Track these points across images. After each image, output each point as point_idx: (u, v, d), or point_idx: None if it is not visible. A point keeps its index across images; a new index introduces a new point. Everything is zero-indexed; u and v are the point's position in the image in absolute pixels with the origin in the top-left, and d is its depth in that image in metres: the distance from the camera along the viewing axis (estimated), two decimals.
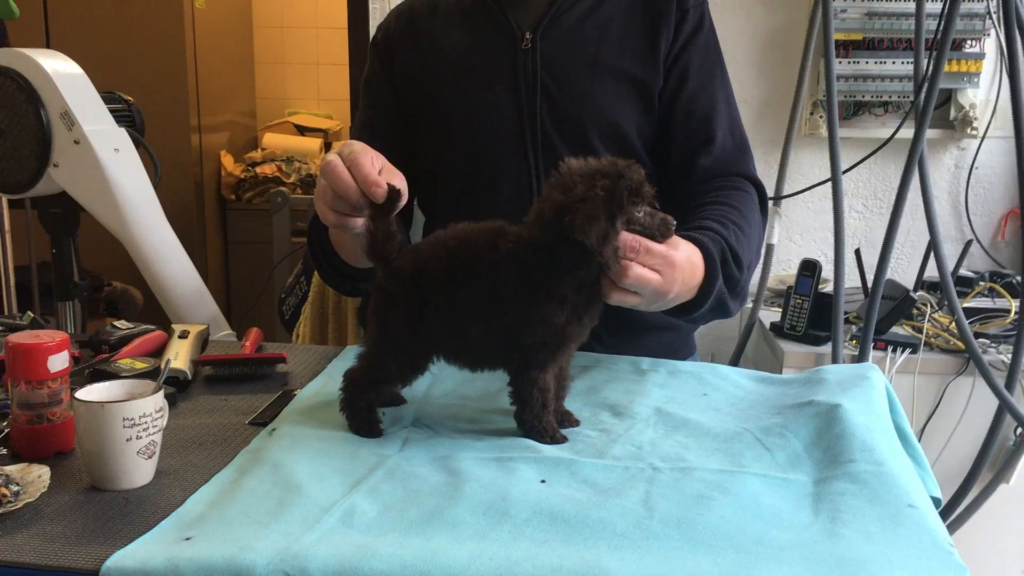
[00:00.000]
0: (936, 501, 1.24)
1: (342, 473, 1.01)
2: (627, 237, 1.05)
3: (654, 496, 0.96)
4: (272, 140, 4.42)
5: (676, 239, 1.13)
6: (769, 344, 2.31)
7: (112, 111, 1.81)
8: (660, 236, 1.07)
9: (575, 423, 1.16)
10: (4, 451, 1.08)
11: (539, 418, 1.10)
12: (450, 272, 1.08)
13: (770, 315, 2.42)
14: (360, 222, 1.14)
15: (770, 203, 2.52)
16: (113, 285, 3.27)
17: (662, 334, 1.53)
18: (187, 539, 0.88)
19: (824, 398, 1.18)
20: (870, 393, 1.20)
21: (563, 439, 1.11)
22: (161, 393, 1.02)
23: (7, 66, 1.66)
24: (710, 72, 1.48)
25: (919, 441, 2.19)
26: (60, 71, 1.65)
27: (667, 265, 1.09)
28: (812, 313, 2.19)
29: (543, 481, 1.00)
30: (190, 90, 3.90)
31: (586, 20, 1.44)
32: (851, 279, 2.38)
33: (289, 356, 1.43)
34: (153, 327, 1.46)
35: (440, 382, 1.31)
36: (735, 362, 2.49)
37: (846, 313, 2.27)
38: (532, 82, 1.42)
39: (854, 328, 2.23)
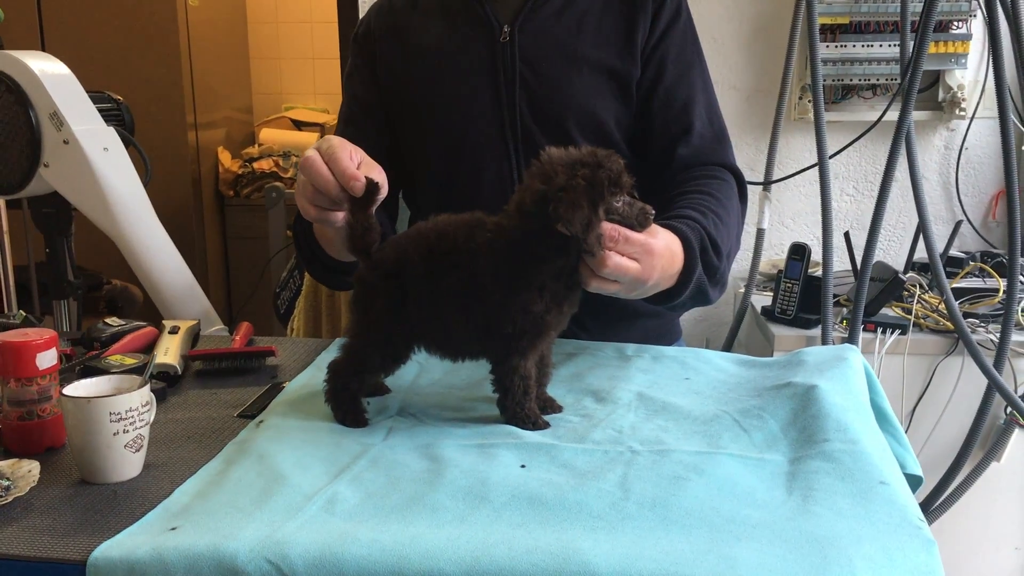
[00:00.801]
0: (916, 479, 1.27)
1: (326, 462, 1.03)
2: (607, 226, 1.07)
3: (631, 478, 0.98)
4: (269, 135, 4.43)
5: (655, 228, 1.15)
6: (761, 328, 2.33)
7: (102, 110, 1.83)
8: (639, 225, 1.09)
9: (558, 409, 1.18)
10: None
11: (521, 405, 1.12)
12: (430, 263, 1.10)
13: (762, 299, 2.43)
14: (341, 216, 1.16)
15: (760, 188, 2.53)
16: (113, 283, 3.29)
17: (647, 320, 1.54)
18: (173, 529, 0.90)
19: (801, 379, 1.20)
20: (847, 373, 1.22)
21: (545, 425, 1.13)
22: (147, 388, 1.04)
23: None
24: (688, 62, 1.49)
25: (909, 421, 2.22)
26: (48, 72, 1.67)
27: (646, 253, 1.11)
28: (802, 296, 2.21)
29: (523, 466, 1.02)
30: (185, 88, 3.91)
31: (563, 13, 1.46)
32: (843, 262, 2.39)
33: (279, 349, 1.45)
34: (144, 324, 1.48)
35: (427, 371, 1.33)
36: (728, 347, 2.51)
37: (837, 296, 2.28)
38: (511, 75, 1.44)
39: (845, 311, 2.25)
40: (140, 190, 1.68)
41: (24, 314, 1.44)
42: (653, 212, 1.10)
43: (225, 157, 4.19)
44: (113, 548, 0.86)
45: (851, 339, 2.13)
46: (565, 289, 1.10)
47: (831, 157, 2.28)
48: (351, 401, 1.15)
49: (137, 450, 1.02)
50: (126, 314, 2.88)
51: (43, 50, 3.63)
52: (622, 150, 1.46)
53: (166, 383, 1.30)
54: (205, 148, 4.08)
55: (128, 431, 1.01)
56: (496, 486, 0.96)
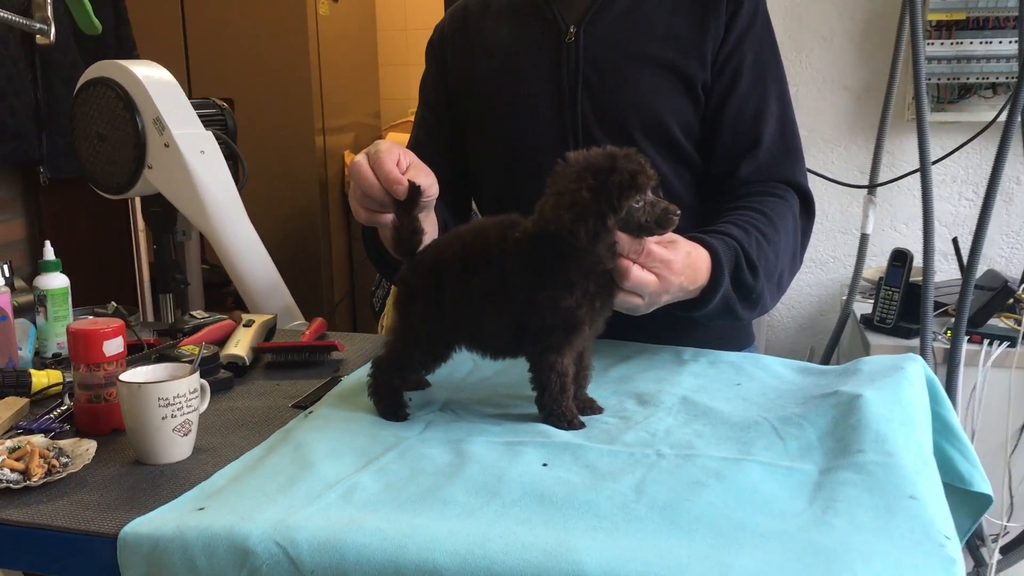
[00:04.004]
0: (983, 498, 1.21)
1: (358, 452, 1.07)
2: (625, 240, 1.07)
3: (648, 481, 0.98)
4: (395, 139, 4.54)
5: (677, 239, 1.15)
6: (860, 338, 2.25)
7: (206, 116, 1.94)
8: (659, 228, 1.08)
9: (598, 411, 1.19)
10: (68, 427, 1.19)
11: (557, 403, 1.13)
12: (464, 263, 1.12)
13: (865, 308, 2.34)
14: (389, 218, 1.20)
15: (864, 192, 2.44)
16: None
17: (713, 324, 1.52)
18: (200, 509, 0.95)
19: (849, 388, 1.16)
20: (900, 384, 1.17)
21: (580, 425, 1.13)
22: (196, 376, 1.10)
23: (107, 76, 1.80)
24: (763, 70, 1.46)
25: (1017, 441, 2.10)
26: (153, 79, 1.78)
27: (665, 267, 1.11)
28: (903, 305, 2.12)
29: (545, 464, 1.03)
30: (314, 93, 4.07)
31: (631, 13, 1.45)
32: (952, 270, 2.28)
33: (348, 345, 1.51)
34: (224, 316, 1.56)
35: (479, 369, 1.35)
36: (828, 355, 2.43)
37: (944, 305, 2.18)
38: (574, 76, 1.44)
39: (951, 320, 2.14)
40: (233, 192, 1.77)
41: (116, 305, 1.54)
42: (678, 213, 1.09)
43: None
44: (143, 524, 0.92)
45: (954, 351, 2.03)
46: (596, 286, 1.10)
47: (941, 160, 2.18)
48: (392, 396, 1.18)
49: (185, 434, 1.09)
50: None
51: (186, 58, 3.86)
52: (689, 155, 1.45)
53: (233, 373, 1.37)
54: (333, 151, 4.23)
55: (176, 416, 1.07)
56: (511, 483, 0.98)
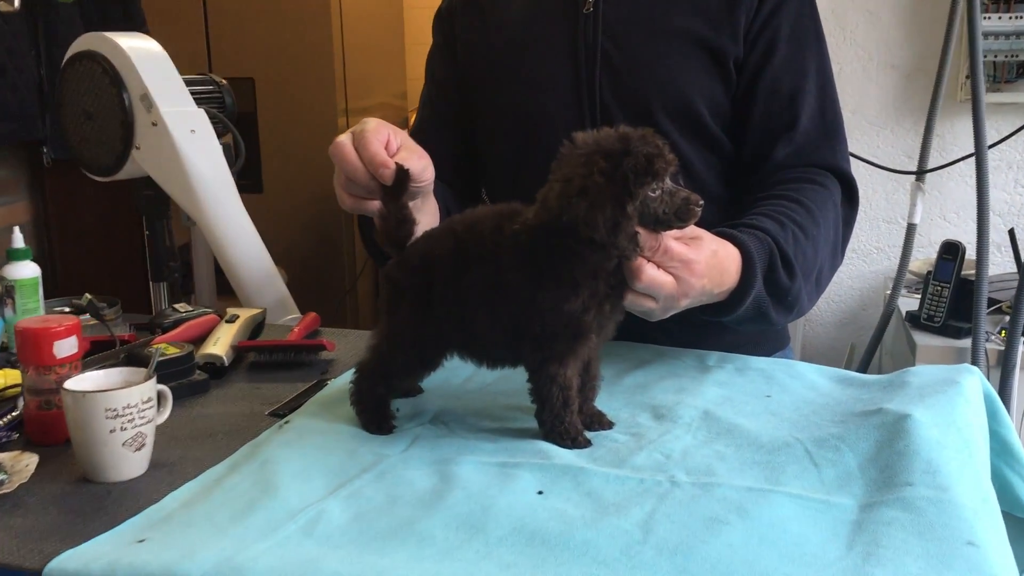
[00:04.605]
0: None
1: (330, 473, 0.94)
2: (643, 235, 0.94)
3: (659, 516, 0.84)
4: None
5: (701, 235, 1.01)
6: (906, 336, 2.09)
7: (202, 93, 1.82)
8: (679, 221, 0.94)
9: (607, 425, 1.05)
10: (16, 436, 1.07)
11: (560, 419, 0.99)
12: (456, 258, 0.99)
13: (912, 303, 2.18)
14: (377, 205, 1.08)
15: (912, 178, 2.27)
16: None
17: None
18: (141, 541, 0.83)
19: (895, 406, 1.01)
20: (955, 401, 1.02)
21: (586, 443, 1.00)
22: (151, 383, 0.98)
23: (93, 50, 1.68)
24: (802, 43, 1.30)
25: None
26: (141, 52, 1.66)
27: (684, 267, 0.97)
28: (953, 301, 1.95)
29: (540, 492, 0.89)
30: (338, 73, 3.94)
31: None
32: (1008, 263, 2.11)
33: (341, 343, 1.38)
34: (210, 310, 1.44)
35: (480, 375, 1.21)
36: (870, 355, 2.27)
37: (998, 302, 2.01)
38: (592, 50, 1.30)
39: (1007, 319, 1.97)
40: (226, 174, 1.65)
41: (89, 297, 1.43)
42: (700, 204, 0.95)
43: None
44: (72, 559, 0.80)
45: (1009, 352, 1.86)
46: (606, 287, 0.96)
47: (997, 144, 2.01)
48: (376, 406, 1.05)
49: (137, 448, 0.97)
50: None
51: (207, 36, 3.75)
52: (717, 139, 1.31)
53: (209, 374, 1.25)
54: None
55: (126, 428, 0.95)
56: (499, 515, 0.84)
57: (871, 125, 2.47)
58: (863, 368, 2.21)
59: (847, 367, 2.01)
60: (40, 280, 1.38)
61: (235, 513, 0.87)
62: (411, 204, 1.19)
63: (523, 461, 0.95)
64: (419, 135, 1.51)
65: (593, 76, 1.30)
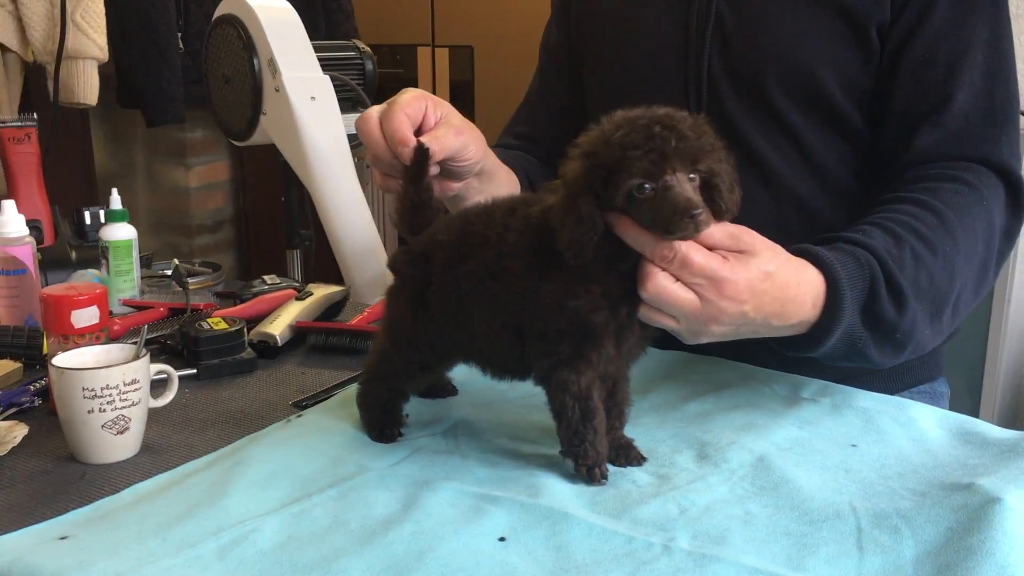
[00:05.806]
0: None
1: (298, 483, 0.85)
2: (647, 240, 0.77)
3: None
4: None
5: (755, 249, 0.81)
6: None
7: (341, 60, 1.79)
8: (663, 231, 0.77)
9: (636, 460, 0.88)
10: (39, 403, 1.05)
11: (580, 435, 0.83)
12: (460, 244, 0.86)
13: None
14: (399, 184, 0.96)
15: None
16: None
17: None
18: (63, 538, 0.77)
19: (991, 483, 0.77)
20: None
21: (600, 478, 0.84)
22: (138, 364, 0.92)
23: (231, 14, 1.68)
24: (971, 4, 1.05)
25: None
26: (271, 17, 1.63)
27: (713, 287, 0.78)
28: None
29: (502, 539, 0.75)
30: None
31: None
32: None
33: None
34: (296, 283, 1.39)
35: (525, 383, 1.08)
36: None
37: None
38: (704, 12, 1.12)
39: None
40: (344, 144, 1.59)
41: (177, 263, 1.41)
42: (696, 215, 0.74)
43: None
44: None
45: None
46: (620, 288, 0.80)
47: None
48: (379, 411, 0.94)
49: (120, 432, 0.92)
50: None
51: (431, 3, 3.75)
52: (848, 120, 1.09)
53: (260, 353, 1.19)
54: None
55: (105, 410, 0.90)
56: (435, 562, 0.71)
57: None
58: None
59: None
60: (136, 242, 1.38)
61: (168, 519, 0.79)
62: (465, 185, 1.08)
63: (506, 496, 0.81)
64: (525, 107, 1.39)
65: (703, 42, 1.12)
